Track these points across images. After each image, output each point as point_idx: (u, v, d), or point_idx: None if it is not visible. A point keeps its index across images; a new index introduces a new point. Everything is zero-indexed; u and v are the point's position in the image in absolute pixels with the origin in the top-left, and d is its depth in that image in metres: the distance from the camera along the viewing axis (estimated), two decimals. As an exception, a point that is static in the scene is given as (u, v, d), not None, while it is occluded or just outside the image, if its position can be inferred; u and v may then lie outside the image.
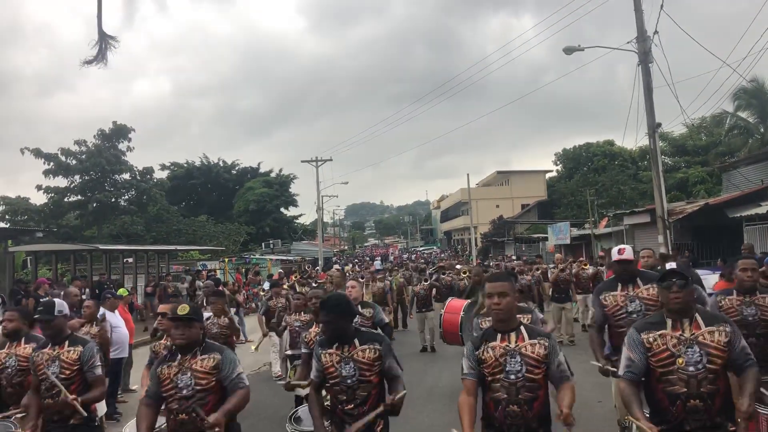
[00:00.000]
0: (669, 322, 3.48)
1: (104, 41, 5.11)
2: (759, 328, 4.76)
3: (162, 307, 5.94)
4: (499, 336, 3.54)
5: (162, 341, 5.71)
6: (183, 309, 3.82)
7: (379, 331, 5.53)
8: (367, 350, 3.85)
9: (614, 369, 4.51)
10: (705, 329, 3.39)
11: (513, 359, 3.44)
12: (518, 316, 3.75)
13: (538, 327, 4.25)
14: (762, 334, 4.75)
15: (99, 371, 4.49)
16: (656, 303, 4.70)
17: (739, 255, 13.14)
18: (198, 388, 3.76)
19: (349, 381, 3.81)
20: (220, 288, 15.15)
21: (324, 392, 4.06)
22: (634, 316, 4.79)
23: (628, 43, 16.22)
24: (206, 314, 7.38)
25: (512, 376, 3.41)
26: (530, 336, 3.52)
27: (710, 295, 8.56)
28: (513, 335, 3.52)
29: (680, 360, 3.34)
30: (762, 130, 32.56)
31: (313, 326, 5.63)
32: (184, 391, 3.75)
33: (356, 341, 3.88)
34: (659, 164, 16.63)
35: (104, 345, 6.77)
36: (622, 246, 5.20)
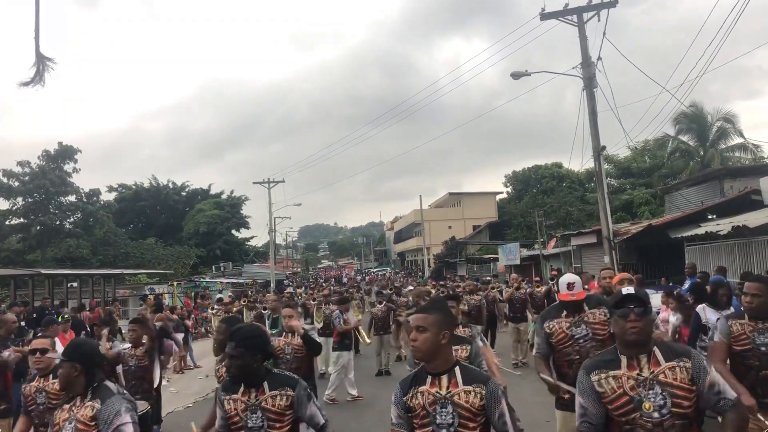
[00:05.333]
0: (624, 359, 2.89)
1: (42, 63, 5.01)
2: None
3: (36, 342, 5.01)
4: (429, 379, 2.96)
5: (34, 383, 4.81)
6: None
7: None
8: (278, 397, 3.28)
9: (562, 385, 4.31)
10: (665, 365, 2.82)
11: (444, 409, 2.87)
12: (454, 348, 3.27)
13: (477, 368, 3.47)
14: None
15: None
16: (604, 327, 4.43)
17: (681, 274, 13.58)
18: None
19: None
20: (165, 312, 14.83)
21: None
22: (581, 341, 4.48)
23: (573, 68, 16.72)
24: (125, 345, 7.06)
25: (443, 430, 2.87)
26: (465, 381, 2.92)
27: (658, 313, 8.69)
28: (445, 379, 2.93)
29: (646, 405, 2.77)
30: (702, 153, 33.85)
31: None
32: None
33: (266, 385, 3.31)
34: (604, 186, 17.10)
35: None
36: (571, 280, 4.64)
